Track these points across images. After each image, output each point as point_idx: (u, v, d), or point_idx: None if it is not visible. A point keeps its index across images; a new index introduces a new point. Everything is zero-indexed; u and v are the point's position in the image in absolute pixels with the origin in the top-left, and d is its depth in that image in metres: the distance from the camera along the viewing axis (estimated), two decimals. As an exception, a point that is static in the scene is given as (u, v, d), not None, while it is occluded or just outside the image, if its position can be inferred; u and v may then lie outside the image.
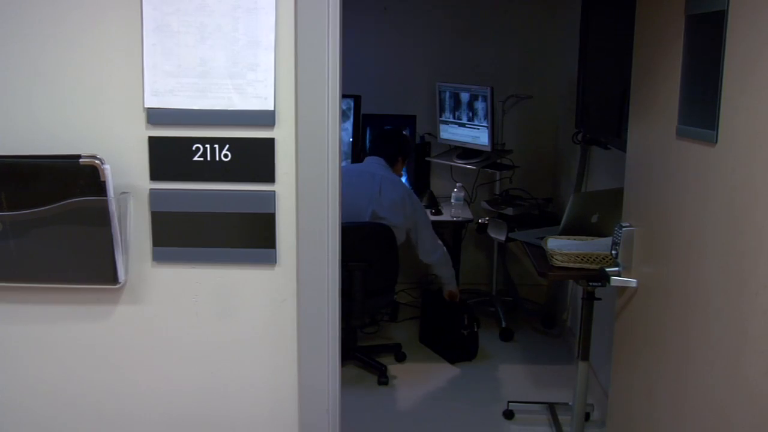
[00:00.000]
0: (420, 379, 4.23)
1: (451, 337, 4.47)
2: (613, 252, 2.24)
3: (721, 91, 1.59)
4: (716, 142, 1.61)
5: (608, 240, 2.84)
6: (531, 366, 4.42)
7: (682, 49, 1.81)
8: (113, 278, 1.84)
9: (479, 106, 4.83)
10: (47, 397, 1.97)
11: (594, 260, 2.89)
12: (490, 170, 5.02)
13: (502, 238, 4.47)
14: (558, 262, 2.93)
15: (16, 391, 1.98)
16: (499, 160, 4.96)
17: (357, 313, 3.92)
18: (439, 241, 4.28)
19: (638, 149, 2.19)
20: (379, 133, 4.61)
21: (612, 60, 3.38)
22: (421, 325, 4.79)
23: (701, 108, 1.70)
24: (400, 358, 4.47)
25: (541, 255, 3.11)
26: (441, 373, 4.32)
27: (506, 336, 4.77)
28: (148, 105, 1.80)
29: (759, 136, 1.43)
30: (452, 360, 4.43)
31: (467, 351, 4.45)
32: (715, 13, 1.62)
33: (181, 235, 1.85)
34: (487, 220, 4.77)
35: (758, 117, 1.43)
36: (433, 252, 4.23)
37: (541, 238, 3.17)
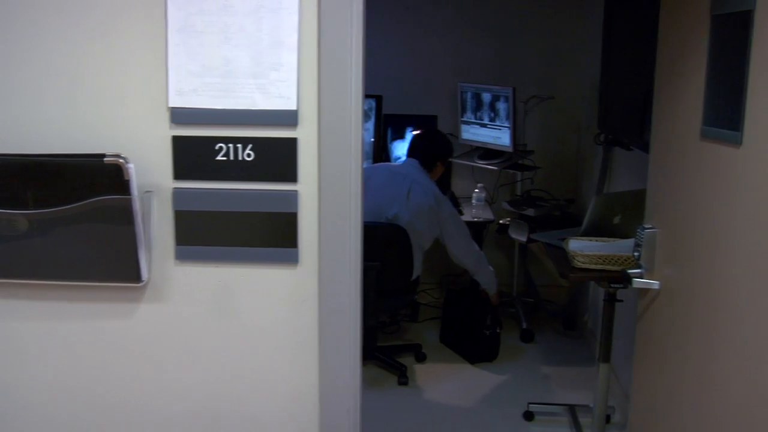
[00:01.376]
0: (440, 380, 4.23)
1: (472, 337, 4.46)
2: (636, 254, 2.22)
3: (746, 92, 1.58)
4: (741, 143, 1.60)
5: (630, 242, 2.83)
6: (551, 367, 4.40)
7: (707, 49, 1.80)
8: (136, 276, 1.85)
9: (501, 106, 4.82)
10: (70, 393, 1.99)
11: (616, 262, 2.87)
12: (511, 171, 5.01)
13: (524, 239, 4.45)
14: (579, 263, 2.92)
15: (39, 388, 1.99)
16: (520, 161, 4.95)
17: (369, 313, 3.91)
18: (475, 247, 4.23)
19: (661, 150, 2.17)
20: (418, 134, 4.50)
21: (635, 60, 3.36)
22: (441, 325, 4.78)
23: (726, 109, 1.69)
24: (421, 358, 4.47)
25: (562, 256, 3.10)
26: (461, 373, 4.32)
27: (527, 337, 4.75)
28: (172, 104, 1.81)
29: (785, 138, 1.42)
30: (473, 361, 4.43)
31: (488, 352, 4.44)
32: (742, 13, 1.61)
33: (203, 233, 1.86)
34: (509, 220, 4.75)
35: (784, 118, 1.42)
36: (465, 258, 4.18)
37: (563, 239, 3.16)
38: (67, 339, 1.96)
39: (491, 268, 4.31)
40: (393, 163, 4.49)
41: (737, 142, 1.61)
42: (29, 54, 1.82)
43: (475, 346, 4.44)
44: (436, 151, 4.25)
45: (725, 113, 1.69)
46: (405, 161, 4.26)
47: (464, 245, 4.14)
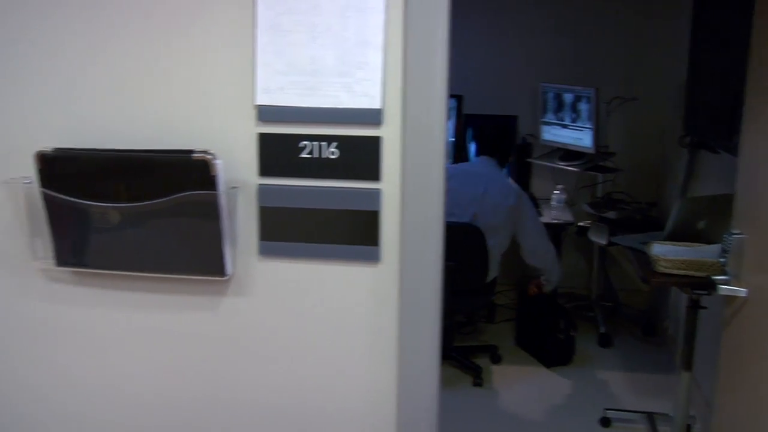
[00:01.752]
0: (515, 382, 4.20)
1: (547, 340, 4.41)
2: (722, 260, 2.17)
3: None
4: (839, 148, 1.55)
5: (716, 247, 2.76)
6: (630, 373, 4.32)
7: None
8: (221, 270, 1.89)
9: (583, 107, 4.75)
10: (153, 381, 2.04)
11: (700, 267, 2.81)
12: (592, 173, 4.94)
13: (603, 242, 4.38)
14: (662, 268, 2.86)
15: (123, 375, 2.05)
16: (601, 163, 4.87)
17: (444, 313, 3.88)
18: (552, 247, 4.19)
19: (752, 153, 2.11)
20: (490, 132, 4.44)
21: (724, 60, 3.28)
22: (517, 327, 4.75)
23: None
24: (496, 359, 4.45)
25: (644, 260, 3.04)
26: (537, 376, 4.28)
27: (605, 342, 4.68)
28: (258, 102, 1.84)
29: None
30: (548, 364, 4.38)
31: (563, 355, 4.39)
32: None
33: (286, 230, 1.89)
34: (588, 223, 4.69)
35: None
36: (541, 257, 4.13)
37: (645, 243, 3.10)
38: (152, 329, 2.01)
39: (561, 268, 4.27)
40: (467, 163, 4.48)
41: (835, 147, 1.56)
42: (120, 53, 1.87)
43: (549, 349, 4.40)
44: (508, 147, 4.23)
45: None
46: (478, 160, 4.22)
47: (541, 244, 4.10)
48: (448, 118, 5.05)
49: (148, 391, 2.05)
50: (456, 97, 4.98)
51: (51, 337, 2.06)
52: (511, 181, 4.09)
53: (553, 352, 4.38)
